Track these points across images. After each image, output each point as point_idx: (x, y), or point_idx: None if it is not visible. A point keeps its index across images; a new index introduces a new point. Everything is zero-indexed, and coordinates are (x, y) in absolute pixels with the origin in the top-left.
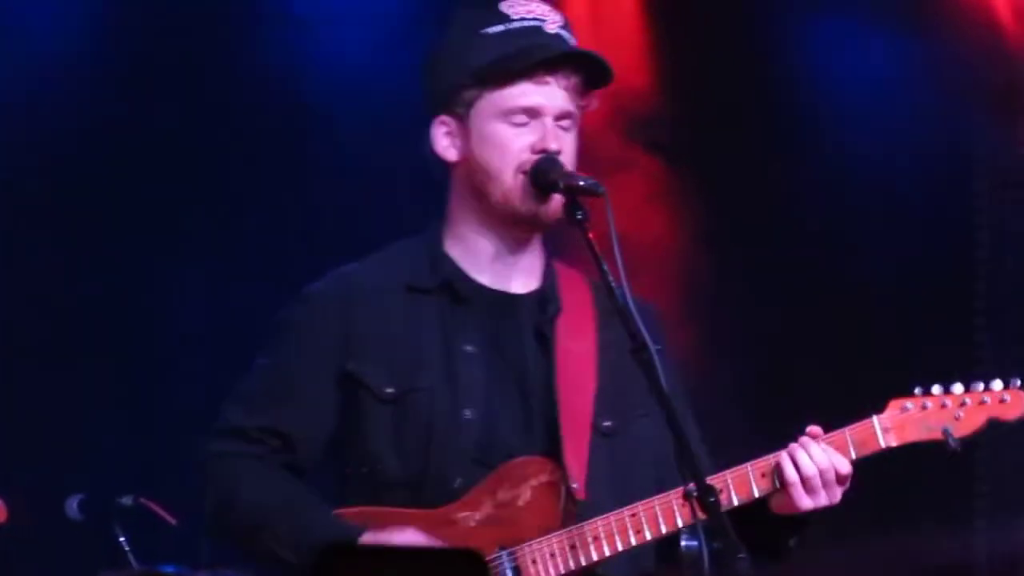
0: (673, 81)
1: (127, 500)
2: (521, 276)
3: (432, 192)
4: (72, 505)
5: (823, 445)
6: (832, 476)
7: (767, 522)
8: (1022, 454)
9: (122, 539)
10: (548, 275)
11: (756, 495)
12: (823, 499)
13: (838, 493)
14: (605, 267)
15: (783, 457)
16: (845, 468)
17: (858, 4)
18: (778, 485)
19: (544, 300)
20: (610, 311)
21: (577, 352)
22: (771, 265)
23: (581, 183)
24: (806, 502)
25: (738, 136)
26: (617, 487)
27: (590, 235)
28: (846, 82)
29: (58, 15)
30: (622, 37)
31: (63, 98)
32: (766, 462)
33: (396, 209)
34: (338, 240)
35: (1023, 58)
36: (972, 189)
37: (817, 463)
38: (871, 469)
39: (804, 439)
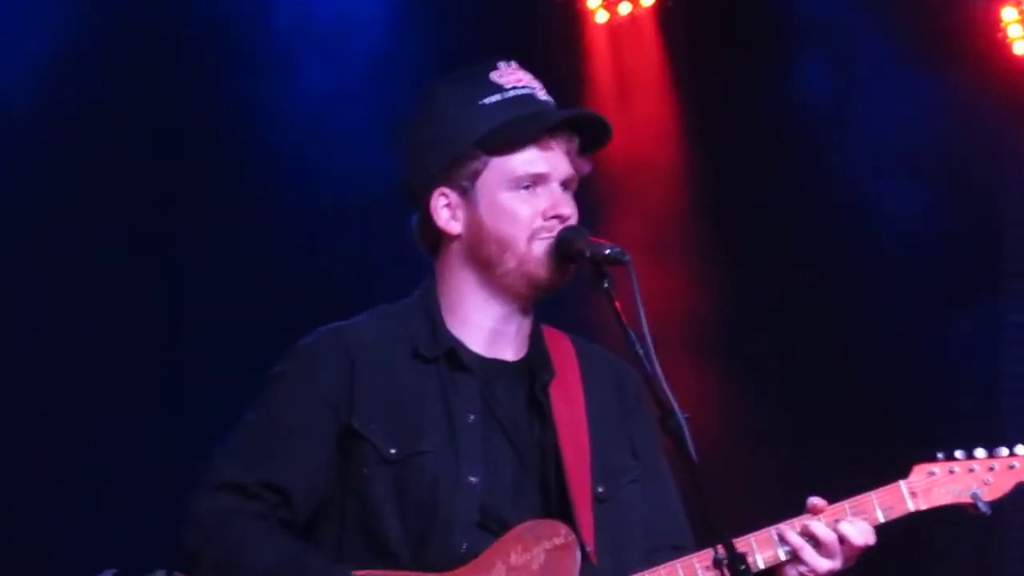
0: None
1: (160, 574)
2: (513, 343)
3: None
4: None
5: (849, 518)
6: (851, 544)
7: None
8: None
9: None
10: (537, 339)
11: (782, 557)
12: (839, 564)
13: (851, 562)
14: (633, 336)
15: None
16: (869, 538)
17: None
18: (787, 556)
19: (537, 366)
20: (594, 372)
21: (571, 416)
22: (795, 327)
23: (607, 252)
24: (823, 564)
25: (757, 185)
26: (615, 553)
27: (616, 303)
28: (859, 127)
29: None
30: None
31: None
32: (790, 525)
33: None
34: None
35: None
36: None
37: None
38: (900, 531)
39: (807, 516)
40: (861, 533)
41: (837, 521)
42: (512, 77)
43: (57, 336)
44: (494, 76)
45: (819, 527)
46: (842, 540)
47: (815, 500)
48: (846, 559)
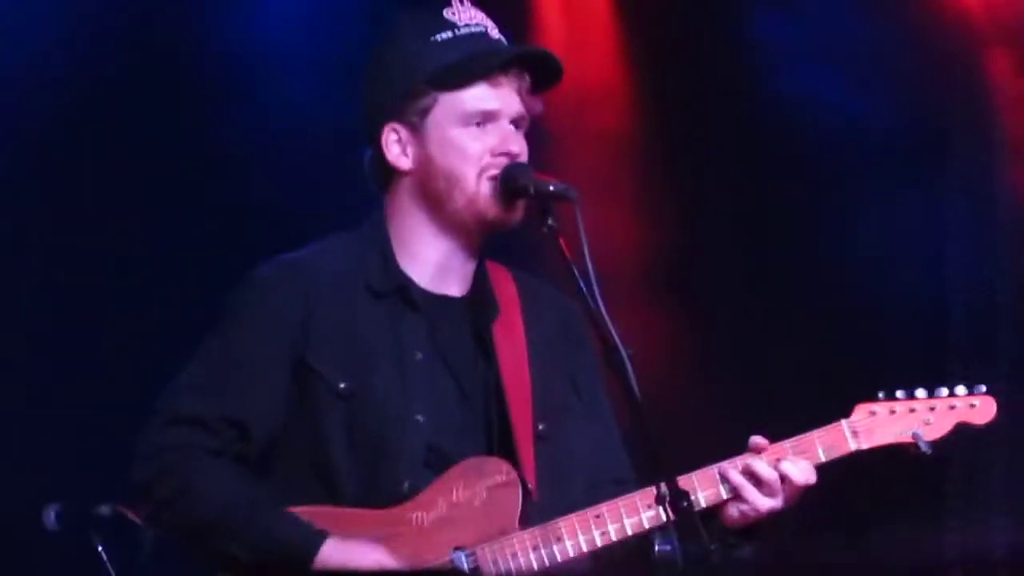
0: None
1: (105, 509)
2: (459, 279)
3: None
4: (50, 515)
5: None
6: (792, 484)
7: (716, 533)
8: (990, 456)
9: (100, 548)
10: (481, 275)
11: (724, 496)
12: (780, 503)
13: (793, 500)
14: (577, 272)
15: (743, 463)
16: (810, 477)
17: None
18: (729, 494)
19: (482, 302)
20: (536, 309)
21: (513, 354)
22: (746, 265)
23: (552, 188)
24: (765, 503)
25: (713, 146)
26: (556, 489)
27: (561, 240)
28: (825, 110)
29: None
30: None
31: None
32: (732, 464)
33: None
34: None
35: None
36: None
37: (774, 472)
38: (839, 471)
39: (749, 455)
40: (802, 472)
41: (779, 460)
42: (465, 15)
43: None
44: (447, 13)
45: (760, 466)
46: (783, 479)
47: (757, 439)
48: (787, 498)
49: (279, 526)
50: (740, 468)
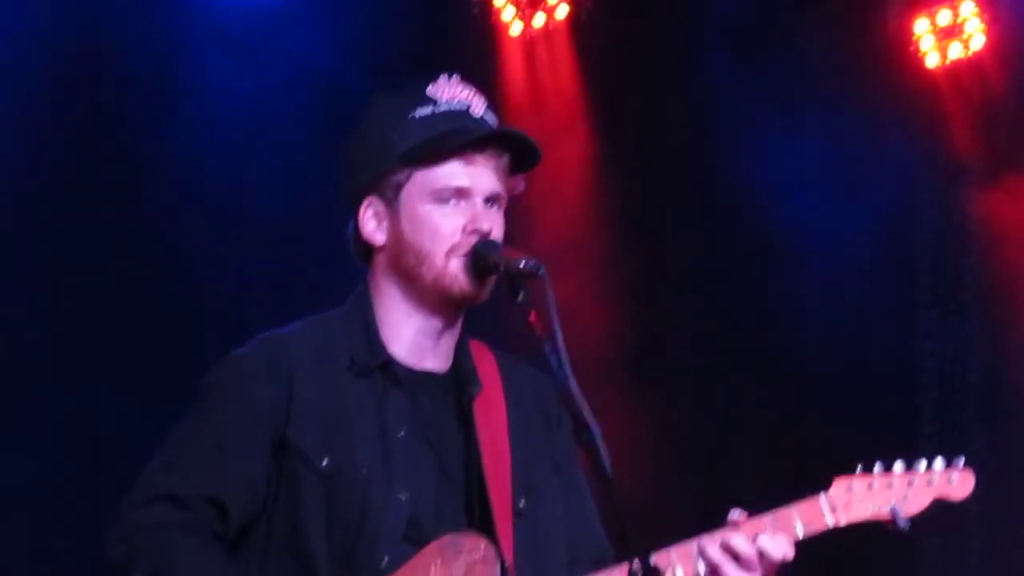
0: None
1: None
2: (439, 354)
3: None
4: None
5: (768, 533)
6: (770, 560)
7: None
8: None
9: None
10: (463, 352)
11: (701, 573)
12: None
13: (773, 573)
14: (548, 348)
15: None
16: (788, 553)
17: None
18: (706, 570)
19: (463, 379)
20: (515, 385)
21: (493, 431)
22: (709, 345)
23: (522, 266)
24: None
25: (682, 205)
26: (534, 566)
27: (531, 316)
28: (788, 171)
29: None
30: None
31: None
32: (711, 539)
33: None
34: None
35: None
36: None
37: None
38: (818, 549)
39: (728, 530)
40: (780, 547)
41: (757, 535)
42: (448, 92)
43: None
44: (431, 90)
45: (739, 542)
46: (761, 555)
47: (736, 513)
48: (765, 574)
49: None
50: (719, 543)
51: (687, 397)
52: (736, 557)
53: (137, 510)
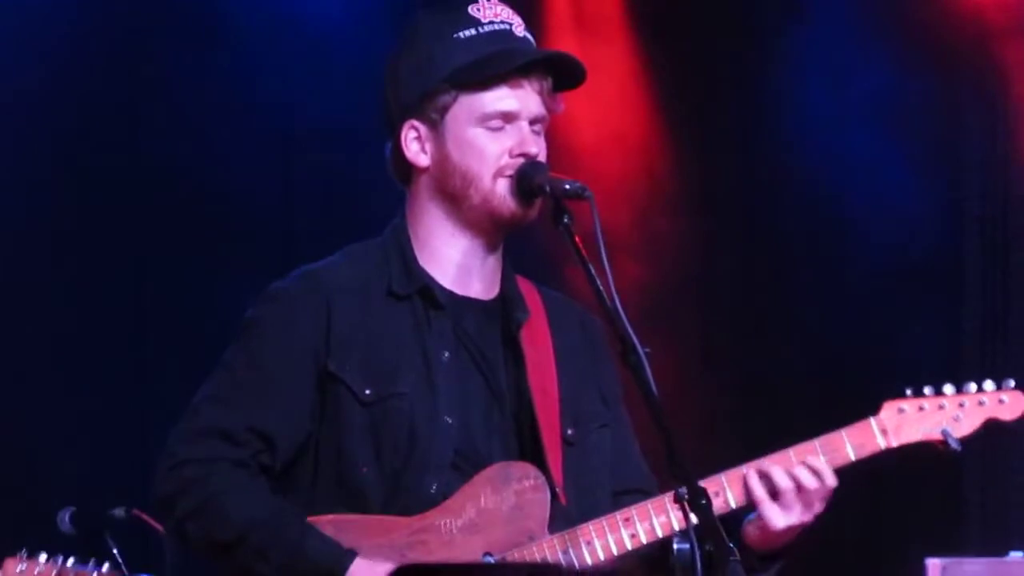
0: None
1: (119, 512)
2: (484, 281)
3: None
4: (64, 518)
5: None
6: (807, 491)
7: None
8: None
9: (115, 551)
10: (510, 280)
11: (756, 495)
12: (799, 515)
13: (816, 509)
14: (592, 271)
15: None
16: (828, 481)
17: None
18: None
19: (511, 306)
20: (561, 319)
21: (541, 359)
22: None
23: (567, 187)
24: (780, 520)
25: (728, 129)
26: (583, 495)
27: (576, 239)
28: (836, 119)
29: None
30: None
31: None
32: (761, 462)
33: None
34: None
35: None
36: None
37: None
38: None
39: (778, 454)
40: (814, 476)
41: (807, 458)
42: (491, 12)
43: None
44: (472, 9)
45: (790, 464)
46: (813, 474)
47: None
48: (815, 498)
49: (306, 544)
50: (770, 466)
51: (733, 325)
52: (786, 479)
53: (184, 444)
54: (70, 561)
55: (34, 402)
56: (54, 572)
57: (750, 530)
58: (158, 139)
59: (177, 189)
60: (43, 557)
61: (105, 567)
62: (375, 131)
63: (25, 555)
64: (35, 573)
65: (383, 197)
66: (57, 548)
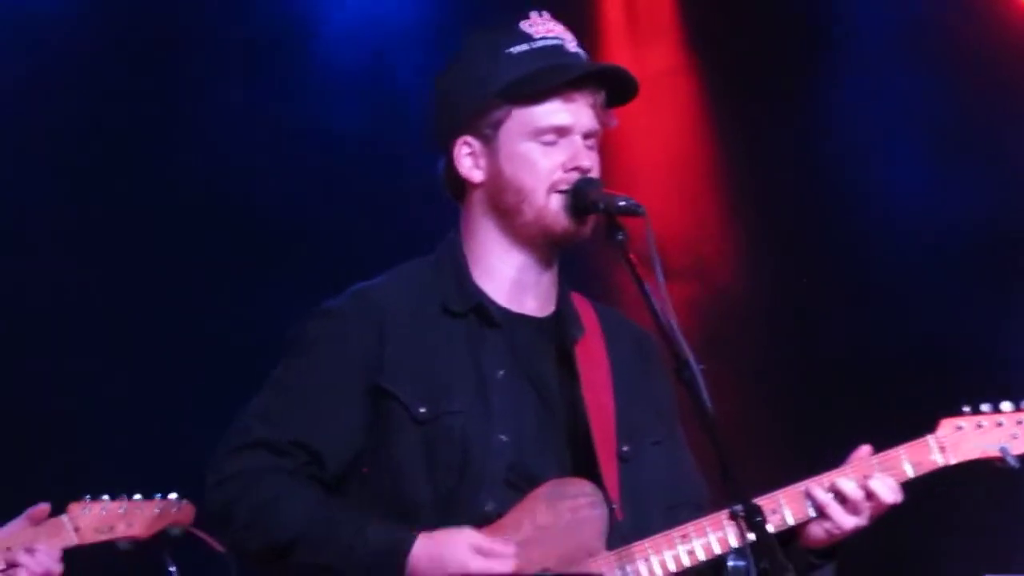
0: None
1: (176, 530)
2: (539, 298)
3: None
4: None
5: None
6: (879, 501)
7: (796, 554)
8: None
9: (172, 569)
10: (564, 297)
11: (810, 514)
12: (864, 521)
13: (879, 515)
14: (647, 288)
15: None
16: (897, 496)
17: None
18: (814, 513)
19: (565, 323)
20: (616, 335)
21: (596, 375)
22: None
23: (622, 203)
24: (849, 521)
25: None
26: (639, 511)
27: (631, 256)
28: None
29: None
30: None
31: None
32: (818, 482)
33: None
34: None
35: None
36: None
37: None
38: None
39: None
40: (890, 490)
41: (866, 477)
42: (543, 27)
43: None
44: (524, 25)
45: (846, 484)
46: (869, 496)
47: (863, 450)
48: (872, 516)
49: (365, 529)
50: (827, 486)
51: (789, 344)
52: (844, 499)
53: (232, 458)
54: (136, 496)
55: (83, 405)
56: (120, 509)
57: (813, 530)
58: (199, 139)
59: (203, 194)
60: (106, 497)
61: (172, 495)
62: (413, 145)
63: (89, 498)
64: (101, 511)
65: (419, 211)
66: (115, 565)
